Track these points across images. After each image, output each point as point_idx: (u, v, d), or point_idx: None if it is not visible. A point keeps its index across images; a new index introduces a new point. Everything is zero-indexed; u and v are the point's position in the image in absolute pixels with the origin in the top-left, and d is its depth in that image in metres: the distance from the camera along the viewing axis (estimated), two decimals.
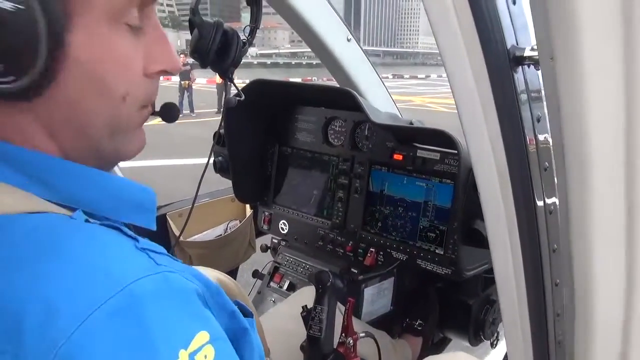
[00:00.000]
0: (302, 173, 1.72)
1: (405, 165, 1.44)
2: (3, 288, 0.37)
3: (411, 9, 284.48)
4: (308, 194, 1.70)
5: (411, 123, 1.50)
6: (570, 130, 0.52)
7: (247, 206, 2.11)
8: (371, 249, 1.52)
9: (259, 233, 2.05)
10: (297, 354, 1.07)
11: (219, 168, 1.78)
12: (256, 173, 1.79)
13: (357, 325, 1.33)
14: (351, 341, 1.10)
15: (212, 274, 0.81)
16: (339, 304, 1.14)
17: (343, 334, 1.11)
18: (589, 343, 0.70)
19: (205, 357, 0.40)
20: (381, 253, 1.51)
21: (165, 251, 0.47)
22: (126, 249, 0.43)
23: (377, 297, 1.67)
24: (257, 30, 1.15)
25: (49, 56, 0.44)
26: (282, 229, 1.78)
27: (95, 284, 0.38)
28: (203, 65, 1.32)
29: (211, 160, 1.62)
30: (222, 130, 1.68)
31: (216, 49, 1.26)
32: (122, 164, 0.71)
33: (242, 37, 1.33)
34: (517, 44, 0.59)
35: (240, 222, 2.14)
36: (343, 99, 1.45)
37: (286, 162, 1.76)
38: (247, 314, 0.63)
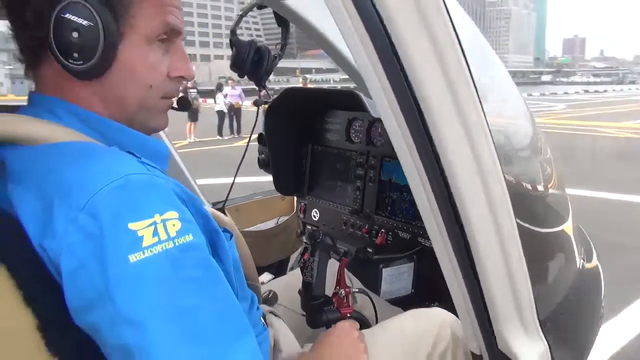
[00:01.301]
0: (330, 167, 1.99)
1: None
2: (66, 171, 0.68)
3: (499, 28, 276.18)
4: (334, 185, 1.97)
5: None
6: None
7: (295, 203, 2.41)
8: (382, 230, 1.75)
9: None
10: (297, 298, 1.32)
11: (262, 164, 2.10)
12: (293, 168, 2.09)
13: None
14: (343, 292, 1.34)
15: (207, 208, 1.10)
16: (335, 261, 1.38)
17: (337, 286, 1.35)
18: (484, 266, 0.90)
19: (174, 225, 0.68)
20: (390, 233, 1.74)
21: (160, 169, 0.77)
22: (132, 160, 0.72)
23: (396, 278, 1.87)
24: None
25: (103, 55, 0.75)
26: (314, 216, 2.06)
27: (108, 173, 0.68)
28: (240, 75, 1.66)
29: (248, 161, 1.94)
30: (263, 132, 2.01)
31: (251, 62, 1.59)
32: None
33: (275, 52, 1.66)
34: None
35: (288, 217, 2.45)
36: (358, 101, 1.71)
37: (317, 159, 2.04)
38: (230, 234, 0.92)
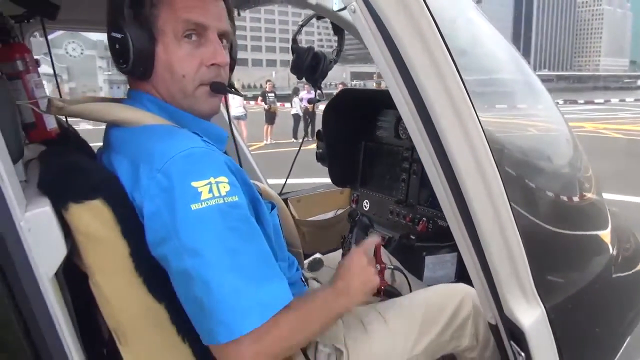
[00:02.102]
0: (380, 162, 2.18)
1: None
2: (151, 144, 0.93)
3: (591, 29, 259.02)
4: (383, 178, 2.16)
5: None
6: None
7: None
8: (423, 219, 1.91)
9: None
10: None
11: (319, 158, 2.32)
12: (347, 162, 2.30)
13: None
14: (378, 267, 1.52)
15: (259, 184, 1.33)
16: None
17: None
18: (485, 239, 1.05)
19: (224, 187, 0.89)
20: (430, 221, 1.89)
21: (216, 148, 1.01)
22: (196, 138, 0.96)
23: (439, 267, 2.02)
24: None
25: (137, 57, 0.96)
26: (365, 206, 2.26)
27: (178, 146, 0.91)
28: (299, 77, 1.89)
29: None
30: (321, 129, 2.23)
31: (308, 66, 1.82)
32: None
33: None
34: None
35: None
36: None
37: (369, 154, 2.23)
38: (273, 205, 1.15)
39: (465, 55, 1.05)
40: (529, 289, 1.09)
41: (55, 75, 1.44)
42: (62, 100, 1.04)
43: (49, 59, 1.56)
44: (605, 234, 1.61)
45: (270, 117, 14.03)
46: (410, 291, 1.66)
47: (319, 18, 1.88)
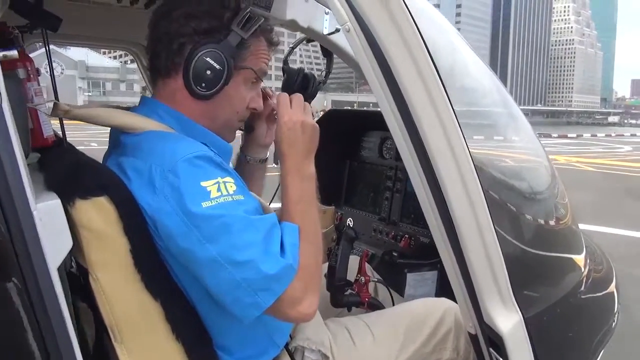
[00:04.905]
0: (364, 181, 2.25)
1: None
2: (162, 146, 0.97)
3: (564, 67, 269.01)
4: (366, 196, 2.23)
5: None
6: None
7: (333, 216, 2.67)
8: (405, 235, 1.97)
9: None
10: (323, 281, 1.56)
11: None
12: (332, 182, 2.36)
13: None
14: (363, 279, 1.56)
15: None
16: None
17: (358, 274, 1.58)
18: (467, 249, 1.12)
19: (231, 187, 0.95)
20: (412, 238, 1.96)
21: (221, 157, 1.06)
22: (203, 146, 1.02)
23: (420, 283, 2.07)
24: None
25: (220, 87, 1.06)
26: (349, 224, 2.31)
27: (187, 149, 0.96)
28: None
29: None
30: None
31: (299, 86, 1.89)
32: None
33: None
34: None
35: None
36: None
37: (354, 173, 2.30)
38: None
39: (453, 78, 1.13)
40: (508, 297, 1.16)
41: (54, 84, 1.47)
42: (68, 104, 1.08)
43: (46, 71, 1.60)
44: (579, 257, 1.69)
45: None
46: (393, 304, 1.71)
47: (308, 41, 1.96)
